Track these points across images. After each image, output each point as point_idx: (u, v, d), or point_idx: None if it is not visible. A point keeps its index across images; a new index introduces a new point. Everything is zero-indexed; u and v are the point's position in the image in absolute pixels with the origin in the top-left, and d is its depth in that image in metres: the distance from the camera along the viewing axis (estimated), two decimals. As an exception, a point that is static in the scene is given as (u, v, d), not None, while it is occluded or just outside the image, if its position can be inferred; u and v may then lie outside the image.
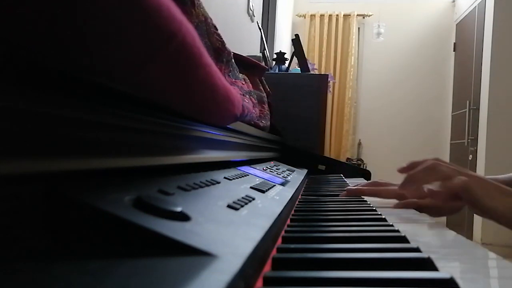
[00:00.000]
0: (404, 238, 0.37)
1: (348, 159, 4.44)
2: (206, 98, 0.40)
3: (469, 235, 3.34)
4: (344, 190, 0.77)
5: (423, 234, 0.46)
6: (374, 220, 0.47)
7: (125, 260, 0.20)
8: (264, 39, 2.30)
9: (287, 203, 0.50)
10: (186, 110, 0.40)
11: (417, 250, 0.32)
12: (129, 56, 0.24)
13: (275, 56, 2.07)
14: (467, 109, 3.71)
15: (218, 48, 0.57)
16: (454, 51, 4.38)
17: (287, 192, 0.60)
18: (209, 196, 0.36)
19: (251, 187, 0.51)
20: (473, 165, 3.49)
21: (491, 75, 3.28)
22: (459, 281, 0.24)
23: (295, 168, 1.16)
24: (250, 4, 2.32)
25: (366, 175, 1.39)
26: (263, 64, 1.36)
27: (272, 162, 1.10)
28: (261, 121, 0.95)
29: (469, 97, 3.71)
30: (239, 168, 0.66)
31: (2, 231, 0.19)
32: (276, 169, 0.93)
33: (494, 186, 0.54)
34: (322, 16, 4.74)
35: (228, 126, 0.60)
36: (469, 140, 3.67)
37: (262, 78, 1.15)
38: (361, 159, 4.65)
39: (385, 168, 4.34)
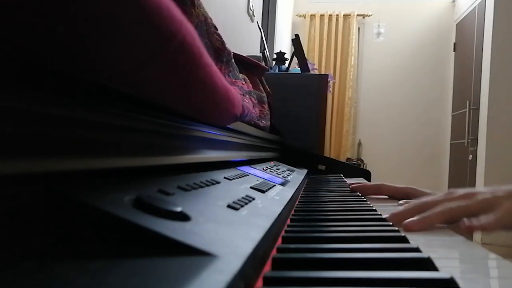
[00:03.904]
0: (404, 238, 0.37)
1: (348, 159, 4.44)
2: (206, 98, 0.40)
3: (469, 235, 3.34)
4: (344, 190, 0.78)
5: (423, 234, 0.46)
6: (374, 220, 0.47)
7: (125, 260, 0.20)
8: (264, 39, 2.30)
9: (287, 203, 0.50)
10: (186, 110, 0.40)
11: (417, 250, 0.32)
12: (129, 56, 0.24)
13: (275, 56, 2.07)
14: (467, 109, 3.71)
15: (218, 48, 0.57)
16: (454, 51, 4.38)
17: (287, 192, 0.60)
18: (209, 196, 0.36)
19: (251, 187, 0.51)
20: (473, 165, 3.49)
21: (491, 75, 3.28)
22: (459, 281, 0.24)
23: (295, 168, 1.16)
24: (250, 4, 2.32)
25: (366, 175, 1.38)
26: (263, 64, 1.36)
27: (272, 162, 1.10)
28: (261, 121, 0.95)
29: (469, 97, 3.71)
30: (239, 168, 0.66)
31: (2, 231, 0.19)
32: (276, 169, 0.93)
33: None
34: (322, 16, 4.74)
35: (228, 126, 0.60)
36: (469, 140, 3.67)
37: (262, 78, 1.15)
38: (361, 159, 4.65)
39: (385, 168, 4.38)
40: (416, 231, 0.45)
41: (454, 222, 0.48)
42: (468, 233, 0.43)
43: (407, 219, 0.48)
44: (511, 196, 0.48)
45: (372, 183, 0.92)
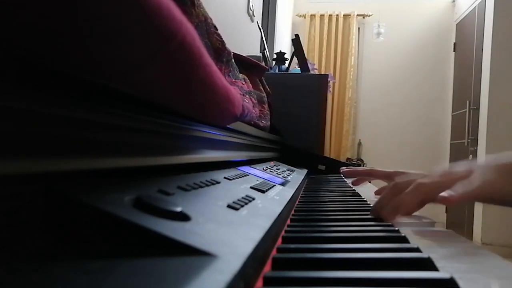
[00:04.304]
0: (404, 238, 0.37)
1: (348, 159, 4.44)
2: (206, 98, 0.40)
3: (469, 235, 3.34)
4: (344, 190, 0.79)
5: (424, 234, 0.46)
6: (374, 220, 0.47)
7: (125, 260, 0.20)
8: (264, 39, 2.30)
9: (287, 203, 0.50)
10: (186, 110, 0.40)
11: (417, 250, 0.32)
12: (129, 56, 0.24)
13: (275, 56, 2.07)
14: (467, 109, 3.71)
15: (218, 48, 0.57)
16: (454, 51, 4.38)
17: (287, 192, 0.60)
18: (209, 196, 0.36)
19: (251, 187, 0.51)
20: (473, 165, 3.48)
21: (491, 75, 3.28)
22: (459, 281, 0.24)
23: (295, 168, 1.16)
24: (250, 4, 2.32)
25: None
26: (263, 64, 1.36)
27: (272, 162, 1.10)
28: (261, 121, 0.95)
29: (469, 97, 3.71)
30: (239, 168, 0.66)
31: (2, 231, 0.19)
32: (276, 169, 0.93)
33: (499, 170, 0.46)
34: (322, 16, 4.74)
35: (228, 126, 0.60)
36: (469, 140, 3.67)
37: (262, 78, 1.15)
38: (361, 159, 4.65)
39: (385, 168, 4.37)
40: (393, 219, 0.44)
41: (431, 200, 0.46)
42: (445, 204, 0.42)
43: (385, 206, 0.47)
44: (485, 167, 0.46)
45: (362, 168, 0.94)
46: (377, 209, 0.49)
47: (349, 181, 1.06)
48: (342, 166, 1.04)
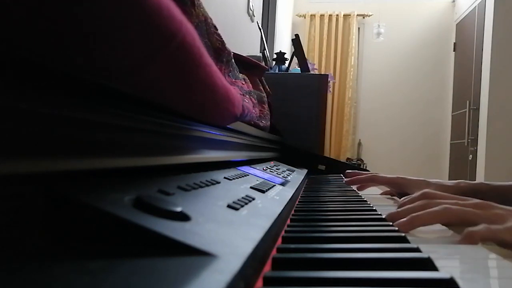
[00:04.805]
0: (404, 238, 0.37)
1: (348, 159, 4.45)
2: (206, 98, 0.40)
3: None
4: (344, 190, 0.80)
5: (423, 233, 0.46)
6: (374, 220, 0.47)
7: (125, 260, 0.20)
8: (264, 39, 2.30)
9: (287, 203, 0.50)
10: (186, 110, 0.40)
11: (417, 250, 0.32)
12: (129, 56, 0.24)
13: (275, 56, 2.07)
14: (467, 109, 3.71)
15: (218, 48, 0.57)
16: (454, 51, 4.38)
17: (287, 192, 0.60)
18: (209, 196, 0.36)
19: (251, 187, 0.51)
20: (473, 165, 3.49)
21: (491, 75, 3.28)
22: (459, 281, 0.24)
23: (295, 168, 1.16)
24: (250, 4, 2.32)
25: (366, 175, 1.39)
26: (263, 64, 1.36)
27: (272, 162, 1.10)
28: (261, 121, 0.95)
29: (469, 97, 3.71)
30: (239, 168, 0.66)
31: (2, 231, 0.19)
32: (276, 169, 0.93)
33: None
34: (322, 16, 4.75)
35: (228, 126, 0.60)
36: (469, 140, 3.67)
37: (262, 78, 1.15)
38: (361, 159, 4.65)
39: (385, 168, 4.38)
40: (407, 231, 0.42)
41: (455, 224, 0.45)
42: (470, 241, 0.39)
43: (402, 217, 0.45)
44: None
45: (364, 173, 0.94)
46: (392, 219, 0.47)
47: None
48: (342, 166, 1.05)
